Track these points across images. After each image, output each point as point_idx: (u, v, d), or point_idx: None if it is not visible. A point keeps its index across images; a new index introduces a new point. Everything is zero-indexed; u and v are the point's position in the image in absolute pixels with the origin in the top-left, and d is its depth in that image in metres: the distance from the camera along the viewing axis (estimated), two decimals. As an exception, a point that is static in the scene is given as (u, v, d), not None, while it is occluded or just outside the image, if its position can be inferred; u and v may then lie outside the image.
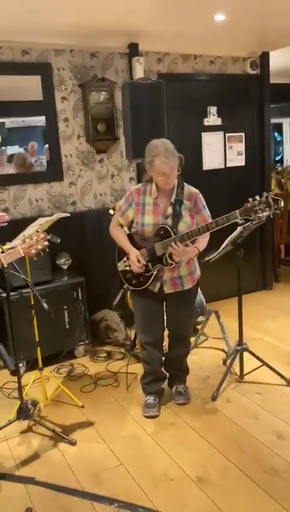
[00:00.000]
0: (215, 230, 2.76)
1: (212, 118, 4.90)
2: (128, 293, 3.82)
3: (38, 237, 2.32)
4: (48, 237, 2.39)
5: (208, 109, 4.87)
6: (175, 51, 4.61)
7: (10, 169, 4.37)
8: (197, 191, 2.95)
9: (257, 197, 2.63)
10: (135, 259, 2.88)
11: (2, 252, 2.75)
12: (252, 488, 2.36)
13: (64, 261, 3.98)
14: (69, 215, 3.28)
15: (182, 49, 4.62)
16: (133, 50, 4.30)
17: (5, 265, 2.22)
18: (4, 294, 3.48)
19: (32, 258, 2.35)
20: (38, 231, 2.36)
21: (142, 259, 2.87)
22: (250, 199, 2.65)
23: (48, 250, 2.41)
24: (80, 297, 3.94)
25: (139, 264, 2.87)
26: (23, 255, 2.29)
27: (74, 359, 3.93)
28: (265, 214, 2.65)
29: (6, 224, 3.25)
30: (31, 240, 2.29)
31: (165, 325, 3.14)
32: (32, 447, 2.82)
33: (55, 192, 4.26)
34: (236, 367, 3.42)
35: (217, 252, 3.29)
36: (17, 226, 3.20)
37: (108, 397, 3.33)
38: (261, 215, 2.65)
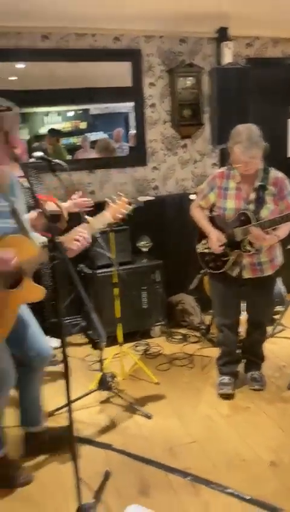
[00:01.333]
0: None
1: (301, 104, 4.76)
2: (206, 278, 3.87)
3: (123, 201, 2.37)
4: (132, 201, 2.44)
5: (297, 95, 4.73)
6: (265, 34, 4.52)
7: (93, 155, 4.53)
8: (284, 176, 2.90)
9: None
10: (215, 239, 2.90)
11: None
12: None
13: (144, 244, 4.09)
14: (153, 198, 3.36)
15: (273, 33, 4.51)
16: (222, 35, 4.27)
17: (96, 229, 2.30)
18: (90, 272, 3.68)
19: (120, 222, 2.39)
20: (120, 194, 2.41)
21: (222, 237, 2.90)
22: None
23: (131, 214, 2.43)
24: (158, 280, 4.04)
25: (219, 243, 2.89)
26: (112, 219, 2.36)
27: (150, 339, 4.05)
28: None
29: (91, 208, 3.36)
30: (116, 204, 2.35)
31: (241, 310, 3.16)
32: (110, 416, 2.98)
33: (139, 176, 4.38)
34: (314, 358, 3.37)
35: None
36: (102, 208, 3.35)
37: (183, 377, 3.42)
38: None
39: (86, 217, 2.32)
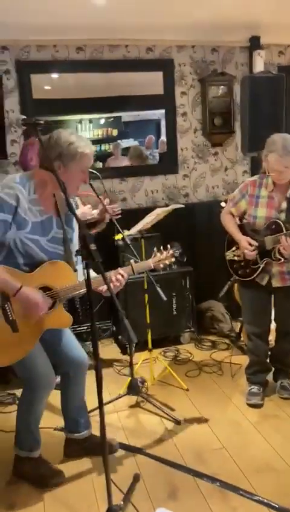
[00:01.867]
0: None
1: None
2: (236, 285, 3.88)
3: (168, 253, 2.52)
4: (176, 254, 2.56)
5: None
6: (297, 42, 4.52)
7: (124, 162, 4.61)
8: None
9: None
10: (246, 245, 2.92)
11: (123, 239, 2.99)
12: None
13: (176, 250, 4.12)
14: (183, 206, 3.42)
15: (305, 40, 4.51)
16: (254, 43, 4.29)
17: (135, 274, 2.44)
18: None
19: (159, 271, 2.54)
20: (168, 248, 2.53)
21: (253, 242, 2.91)
22: None
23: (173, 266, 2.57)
24: (188, 286, 4.08)
25: (251, 248, 2.90)
26: (152, 267, 2.49)
27: (180, 345, 4.08)
28: None
29: (120, 216, 3.43)
30: (161, 254, 2.49)
31: (272, 318, 3.16)
32: (139, 421, 3.03)
33: (170, 184, 4.43)
34: None
35: None
36: (133, 216, 3.43)
37: (212, 384, 3.44)
38: None
39: (131, 261, 2.48)
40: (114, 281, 2.31)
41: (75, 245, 2.34)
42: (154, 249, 2.55)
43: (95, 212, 3.25)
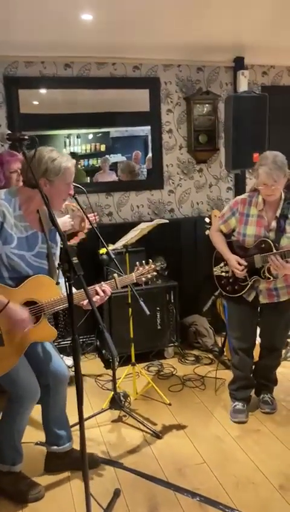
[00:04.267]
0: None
1: (316, 131, 4.84)
2: (219, 300, 3.92)
3: (150, 267, 2.56)
4: (158, 268, 2.60)
5: (312, 122, 4.82)
6: (280, 63, 4.65)
7: (113, 176, 4.67)
8: None
9: None
10: (235, 264, 2.95)
11: (107, 253, 3.02)
12: None
13: (159, 265, 4.15)
14: (167, 221, 3.46)
15: (288, 62, 4.63)
16: (238, 64, 4.41)
17: (119, 288, 2.47)
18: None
19: (141, 284, 2.57)
20: (150, 262, 2.58)
21: (242, 261, 2.95)
22: None
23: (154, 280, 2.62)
24: (172, 301, 4.11)
25: (240, 267, 2.94)
26: (135, 281, 2.54)
27: (163, 359, 4.09)
28: None
29: (95, 225, 3.45)
30: (144, 268, 2.53)
31: (257, 334, 3.19)
32: (121, 435, 3.02)
33: (155, 199, 4.49)
34: None
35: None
36: (119, 230, 3.47)
37: (195, 398, 3.45)
38: None
39: (115, 275, 2.50)
40: (99, 292, 2.33)
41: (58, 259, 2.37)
42: (137, 263, 2.59)
43: (74, 221, 3.31)
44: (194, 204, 4.62)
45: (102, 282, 2.41)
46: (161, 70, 4.33)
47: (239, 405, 3.17)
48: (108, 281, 2.44)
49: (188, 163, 4.53)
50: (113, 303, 3.70)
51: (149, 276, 2.55)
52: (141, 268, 2.56)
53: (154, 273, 2.57)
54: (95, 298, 2.32)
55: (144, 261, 2.60)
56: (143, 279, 2.54)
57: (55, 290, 2.29)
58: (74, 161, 2.30)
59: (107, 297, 2.39)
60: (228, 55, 4.34)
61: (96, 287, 2.36)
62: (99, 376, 3.79)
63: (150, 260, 2.61)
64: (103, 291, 2.35)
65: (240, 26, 3.57)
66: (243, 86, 4.36)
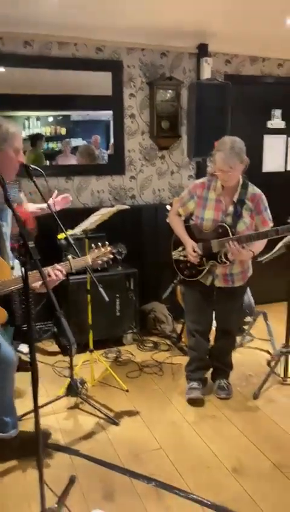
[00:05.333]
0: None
1: (276, 121, 4.91)
2: (179, 287, 3.93)
3: (106, 250, 2.50)
4: (114, 251, 2.55)
5: (273, 112, 4.88)
6: (244, 52, 4.65)
7: (73, 161, 4.57)
8: (261, 192, 2.99)
9: None
10: (191, 250, 2.98)
11: (66, 239, 2.95)
12: (286, 486, 2.41)
13: (117, 250, 4.13)
14: (128, 207, 3.43)
15: (251, 51, 4.65)
16: (202, 50, 4.38)
17: (74, 271, 2.40)
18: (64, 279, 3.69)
19: (97, 267, 2.50)
20: (106, 244, 2.52)
21: (198, 249, 2.97)
22: None
23: (110, 263, 2.56)
24: (132, 288, 4.09)
25: (195, 254, 2.96)
26: (90, 264, 2.46)
27: (122, 346, 4.09)
28: None
29: (68, 205, 3.39)
30: (99, 251, 2.46)
31: (213, 318, 3.24)
32: (78, 422, 3.00)
33: (116, 185, 4.43)
34: (280, 369, 3.46)
35: (271, 253, 3.34)
36: (78, 215, 3.40)
37: (152, 385, 3.46)
38: None
39: (69, 257, 2.41)
40: (52, 275, 2.26)
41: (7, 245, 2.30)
42: (92, 245, 2.53)
43: (41, 205, 3.25)
44: (156, 191, 4.60)
45: (55, 264, 2.34)
46: (124, 54, 4.25)
47: (194, 384, 3.22)
48: (62, 263, 2.37)
49: (150, 150, 4.49)
50: (72, 289, 3.65)
51: (105, 259, 2.48)
52: (96, 251, 2.50)
53: (111, 256, 2.51)
54: (49, 280, 2.24)
55: (100, 243, 2.54)
56: (99, 261, 2.47)
57: (6, 271, 2.21)
58: (20, 127, 2.28)
59: (60, 280, 2.31)
60: (192, 42, 4.31)
61: (49, 268, 2.29)
62: (56, 363, 3.75)
63: (107, 243, 2.55)
64: (56, 274, 2.28)
65: (203, 13, 3.54)
66: (206, 74, 4.35)
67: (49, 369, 3.66)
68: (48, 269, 2.28)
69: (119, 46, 4.21)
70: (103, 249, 2.51)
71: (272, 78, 4.84)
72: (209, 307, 3.17)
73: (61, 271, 2.30)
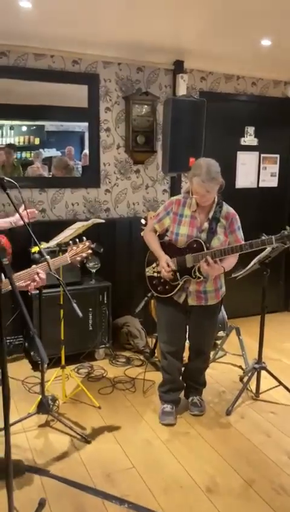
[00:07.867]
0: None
1: (249, 138, 4.99)
2: (152, 302, 3.92)
3: (84, 245, 2.44)
4: (92, 246, 2.50)
5: (246, 129, 4.97)
6: (219, 70, 4.73)
7: (46, 171, 4.53)
8: (234, 212, 3.03)
9: None
10: (165, 265, 2.97)
11: (39, 252, 2.89)
12: (258, 504, 2.40)
13: (93, 265, 4.09)
14: (104, 221, 3.40)
15: (226, 69, 4.74)
16: (178, 67, 4.43)
17: (53, 271, 2.34)
18: (36, 292, 3.62)
19: (77, 264, 2.45)
20: (83, 239, 2.47)
21: (172, 264, 2.96)
22: (288, 227, 2.74)
23: (90, 258, 2.52)
24: (105, 301, 4.05)
25: (168, 268, 2.96)
26: (69, 261, 2.41)
27: (94, 361, 4.03)
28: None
29: (34, 219, 3.33)
30: (77, 248, 2.41)
31: (186, 336, 3.22)
32: (48, 441, 2.92)
33: (91, 197, 4.41)
34: (253, 385, 3.47)
35: (245, 270, 3.36)
36: (52, 228, 3.35)
37: (125, 401, 3.42)
38: None
39: (47, 257, 2.34)
40: (36, 279, 2.21)
41: None
42: (70, 242, 2.48)
43: (10, 219, 3.16)
44: (130, 205, 4.59)
45: (33, 266, 2.28)
46: (101, 67, 4.26)
47: (168, 407, 3.18)
48: (40, 264, 2.31)
49: (125, 163, 4.49)
50: (44, 303, 3.57)
51: (84, 255, 2.43)
52: (74, 248, 2.44)
53: (90, 251, 2.46)
54: (31, 286, 2.21)
55: (77, 240, 2.48)
56: (78, 258, 2.41)
57: None
58: None
59: (43, 283, 2.26)
60: (168, 58, 4.35)
61: (34, 274, 2.22)
62: (27, 378, 3.66)
63: (84, 238, 2.50)
64: (40, 278, 2.22)
65: (180, 30, 3.59)
66: (181, 90, 4.40)
67: (19, 384, 3.57)
68: (33, 274, 2.22)
69: (96, 59, 4.21)
70: (81, 245, 2.44)
71: (246, 96, 4.93)
72: (181, 326, 3.15)
73: (39, 273, 2.23)
